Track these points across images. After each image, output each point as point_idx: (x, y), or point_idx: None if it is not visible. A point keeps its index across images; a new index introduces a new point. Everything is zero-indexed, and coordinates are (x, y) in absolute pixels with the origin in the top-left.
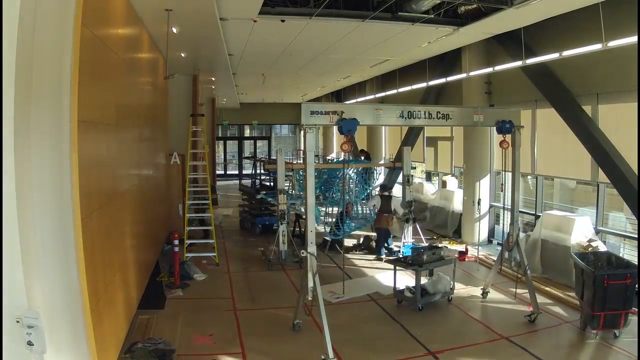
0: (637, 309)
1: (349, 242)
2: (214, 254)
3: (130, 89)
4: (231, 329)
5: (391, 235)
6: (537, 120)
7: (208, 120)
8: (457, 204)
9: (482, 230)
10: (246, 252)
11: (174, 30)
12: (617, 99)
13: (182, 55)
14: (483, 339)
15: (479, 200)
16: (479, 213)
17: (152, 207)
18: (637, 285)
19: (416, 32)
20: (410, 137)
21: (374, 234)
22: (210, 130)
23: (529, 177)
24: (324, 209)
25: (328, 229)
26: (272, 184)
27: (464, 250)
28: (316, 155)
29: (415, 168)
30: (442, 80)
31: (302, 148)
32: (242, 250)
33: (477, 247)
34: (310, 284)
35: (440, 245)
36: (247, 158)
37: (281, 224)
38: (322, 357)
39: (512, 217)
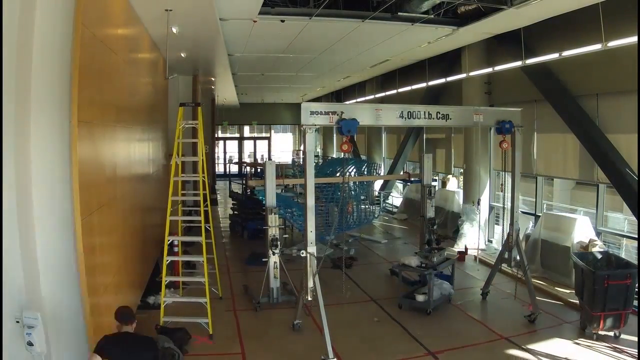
0: (637, 309)
1: None
2: (207, 321)
3: (130, 89)
4: (231, 328)
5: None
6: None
7: (207, 119)
8: (456, 204)
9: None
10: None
11: (174, 30)
12: (617, 99)
13: (182, 55)
14: (483, 339)
15: (479, 200)
16: (479, 213)
17: (152, 207)
18: (637, 285)
19: (416, 32)
20: (409, 139)
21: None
22: (210, 130)
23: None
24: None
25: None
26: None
27: (463, 250)
28: (316, 156)
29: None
30: (442, 81)
31: (302, 148)
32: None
33: (476, 247)
34: (310, 284)
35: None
36: (234, 163)
37: (273, 253)
38: (322, 357)
39: (511, 217)
